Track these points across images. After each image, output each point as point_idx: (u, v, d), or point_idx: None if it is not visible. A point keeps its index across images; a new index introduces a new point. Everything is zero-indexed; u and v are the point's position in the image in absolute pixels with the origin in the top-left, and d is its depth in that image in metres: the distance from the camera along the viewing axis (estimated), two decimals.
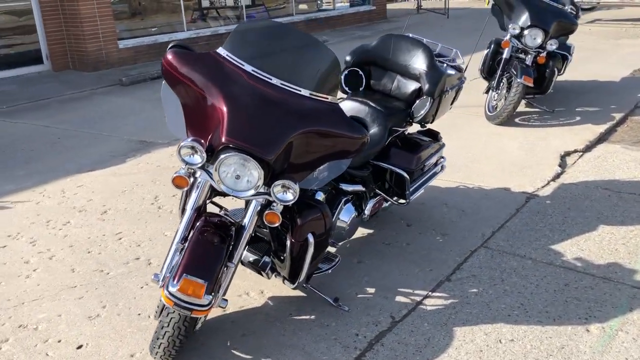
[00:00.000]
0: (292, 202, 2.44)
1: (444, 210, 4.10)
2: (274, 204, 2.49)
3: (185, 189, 2.63)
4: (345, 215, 3.20)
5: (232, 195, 2.47)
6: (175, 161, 5.12)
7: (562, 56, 6.45)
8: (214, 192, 2.65)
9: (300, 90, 2.53)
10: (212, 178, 2.45)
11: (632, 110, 6.35)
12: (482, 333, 2.80)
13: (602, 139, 5.54)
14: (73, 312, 3.06)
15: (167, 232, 3.89)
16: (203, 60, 2.53)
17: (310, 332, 2.84)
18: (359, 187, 3.29)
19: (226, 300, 2.61)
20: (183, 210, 2.70)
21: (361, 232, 3.77)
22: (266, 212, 2.49)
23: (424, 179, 3.64)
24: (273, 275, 2.90)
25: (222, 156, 2.37)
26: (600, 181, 4.53)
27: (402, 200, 3.54)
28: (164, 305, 2.45)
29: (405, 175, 3.39)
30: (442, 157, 3.88)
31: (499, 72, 5.99)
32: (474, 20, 14.14)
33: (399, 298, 3.10)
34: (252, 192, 2.45)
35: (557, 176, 4.66)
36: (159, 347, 2.49)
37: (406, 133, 3.71)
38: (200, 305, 2.34)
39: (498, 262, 3.42)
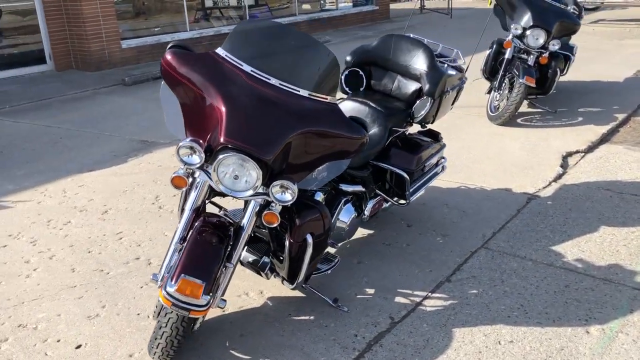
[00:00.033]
0: (291, 202, 2.44)
1: (444, 211, 4.09)
2: (273, 205, 2.49)
3: (184, 189, 2.63)
4: (344, 215, 3.19)
5: (231, 196, 2.47)
6: (176, 161, 5.13)
7: (564, 56, 6.43)
8: (213, 192, 2.65)
9: (299, 91, 2.53)
10: (210, 178, 2.45)
11: (635, 111, 6.32)
12: (482, 334, 2.80)
13: (604, 139, 5.52)
14: (72, 311, 3.06)
15: (168, 232, 3.89)
16: (202, 61, 2.53)
17: (309, 332, 2.84)
18: (359, 188, 3.29)
19: (225, 300, 2.61)
20: (182, 211, 2.70)
21: (361, 232, 3.76)
22: (265, 212, 2.49)
23: (424, 180, 3.63)
24: (272, 276, 2.89)
25: (220, 156, 2.36)
26: (602, 182, 4.51)
27: (402, 201, 3.53)
28: (162, 306, 2.45)
29: (405, 175, 3.38)
30: (443, 158, 3.87)
31: (501, 72, 5.98)
32: (478, 20, 14.12)
33: (399, 299, 3.09)
34: (251, 192, 2.44)
35: (559, 177, 4.65)
36: (157, 347, 2.49)
37: (407, 133, 3.71)
38: (198, 306, 2.34)
39: (498, 263, 3.41)
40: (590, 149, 5.27)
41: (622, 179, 4.55)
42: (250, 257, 2.93)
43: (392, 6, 16.66)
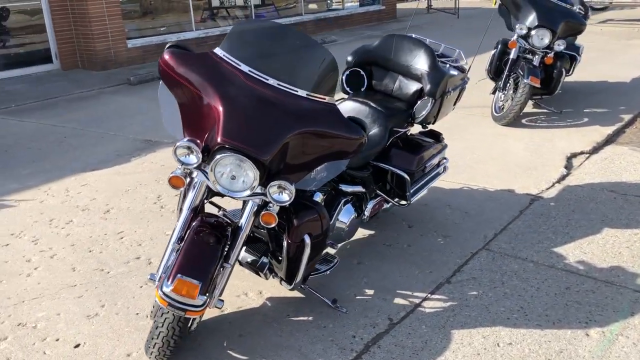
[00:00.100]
0: (288, 202, 2.43)
1: (446, 212, 4.07)
2: (270, 205, 2.48)
3: (182, 189, 2.63)
4: (344, 216, 3.18)
5: (228, 196, 2.47)
6: None
7: (570, 57, 6.39)
8: (211, 192, 2.64)
9: (297, 91, 2.52)
10: (208, 178, 2.44)
11: None
12: (480, 336, 2.78)
13: (609, 140, 5.48)
14: (72, 310, 3.07)
15: (169, 232, 3.89)
16: (200, 61, 2.53)
17: (307, 333, 2.83)
18: (359, 188, 3.28)
19: (222, 300, 2.61)
20: (180, 210, 2.70)
21: (362, 233, 3.75)
22: (262, 212, 2.48)
23: (425, 180, 3.62)
24: (271, 276, 2.89)
25: (217, 156, 2.36)
26: (607, 183, 4.48)
27: (403, 202, 3.52)
28: (159, 306, 2.45)
29: (406, 176, 3.37)
30: (445, 158, 3.85)
31: (505, 72, 5.95)
32: (485, 20, 14.06)
33: (398, 300, 3.08)
34: (248, 192, 2.44)
35: (563, 178, 4.62)
36: (153, 347, 2.49)
37: (408, 134, 3.69)
38: (194, 306, 2.33)
39: (499, 264, 3.39)
40: (595, 149, 5.23)
41: (627, 180, 4.51)
42: (249, 258, 2.93)
43: (399, 6, 16.62)
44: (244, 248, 2.93)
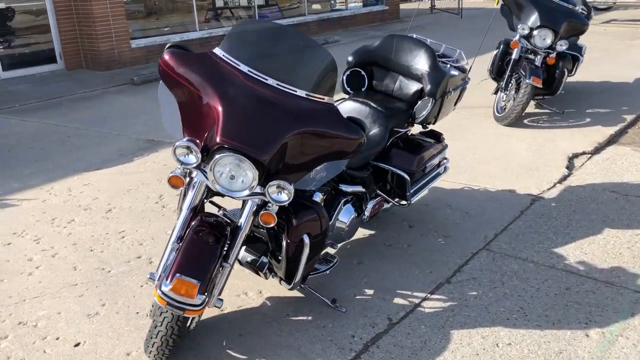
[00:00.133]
0: (287, 202, 2.44)
1: (447, 212, 4.07)
2: (270, 205, 2.49)
3: (182, 188, 2.64)
4: (344, 216, 3.19)
5: (227, 195, 2.47)
6: None
7: (572, 57, 6.37)
8: (211, 192, 2.65)
9: (296, 91, 2.53)
10: (207, 178, 2.45)
11: None
12: (480, 336, 2.78)
13: (612, 140, 5.47)
14: (73, 309, 3.08)
15: (170, 231, 3.90)
16: (199, 61, 2.54)
17: (307, 333, 2.84)
18: (359, 188, 3.28)
19: (221, 300, 2.61)
20: (180, 210, 2.71)
21: (362, 233, 3.76)
22: (261, 212, 2.49)
23: (425, 180, 3.62)
24: (271, 276, 2.90)
25: (216, 156, 2.37)
26: (608, 184, 4.47)
27: (403, 202, 3.52)
28: (158, 305, 2.46)
29: (406, 176, 3.37)
30: (445, 159, 3.85)
31: (507, 72, 5.94)
32: (488, 21, 14.04)
33: (397, 300, 3.08)
34: (247, 192, 2.45)
35: (564, 178, 4.61)
36: (152, 346, 2.50)
37: (409, 134, 3.69)
38: (192, 305, 2.34)
39: (499, 264, 3.39)
40: (597, 150, 5.22)
41: (629, 181, 4.50)
42: (249, 257, 2.94)
43: (402, 6, 16.61)
44: (244, 247, 2.94)
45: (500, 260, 3.43)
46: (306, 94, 2.53)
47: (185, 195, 2.71)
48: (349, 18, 14.08)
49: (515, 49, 5.86)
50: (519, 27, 5.80)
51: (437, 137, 3.76)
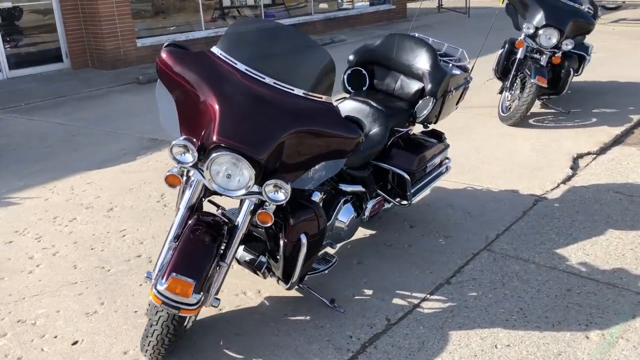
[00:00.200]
0: (284, 201, 2.43)
1: (449, 212, 4.05)
2: (267, 204, 2.48)
3: (180, 187, 2.64)
4: (344, 215, 3.17)
5: (224, 195, 2.47)
6: None
7: (579, 56, 6.32)
8: (209, 191, 2.64)
9: (293, 90, 2.51)
10: (204, 177, 2.44)
11: None
12: (478, 337, 2.76)
13: (617, 141, 5.42)
14: (72, 308, 3.09)
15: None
16: (197, 59, 2.53)
17: (304, 333, 2.83)
18: (359, 188, 3.26)
19: (219, 299, 2.60)
20: (178, 209, 2.70)
21: (363, 233, 3.74)
22: (259, 211, 2.48)
23: (426, 180, 3.60)
24: (269, 275, 2.89)
25: (213, 155, 2.36)
26: (613, 184, 4.43)
27: (404, 202, 3.50)
28: (154, 304, 2.45)
29: (406, 176, 3.35)
30: (447, 158, 3.83)
31: (512, 72, 5.91)
32: (496, 20, 13.95)
33: (396, 300, 3.06)
34: (244, 191, 2.44)
35: (568, 179, 4.57)
36: (148, 345, 2.50)
37: (410, 134, 3.67)
38: (188, 304, 2.33)
39: (500, 265, 3.37)
40: (603, 150, 5.18)
41: (634, 182, 4.46)
42: (248, 256, 2.93)
43: (409, 5, 16.56)
44: (242, 247, 2.93)
45: (501, 261, 3.41)
46: (304, 93, 2.52)
47: (183, 194, 2.70)
48: (355, 17, 14.05)
49: (521, 49, 5.83)
50: (524, 26, 5.77)
51: (438, 136, 3.74)
